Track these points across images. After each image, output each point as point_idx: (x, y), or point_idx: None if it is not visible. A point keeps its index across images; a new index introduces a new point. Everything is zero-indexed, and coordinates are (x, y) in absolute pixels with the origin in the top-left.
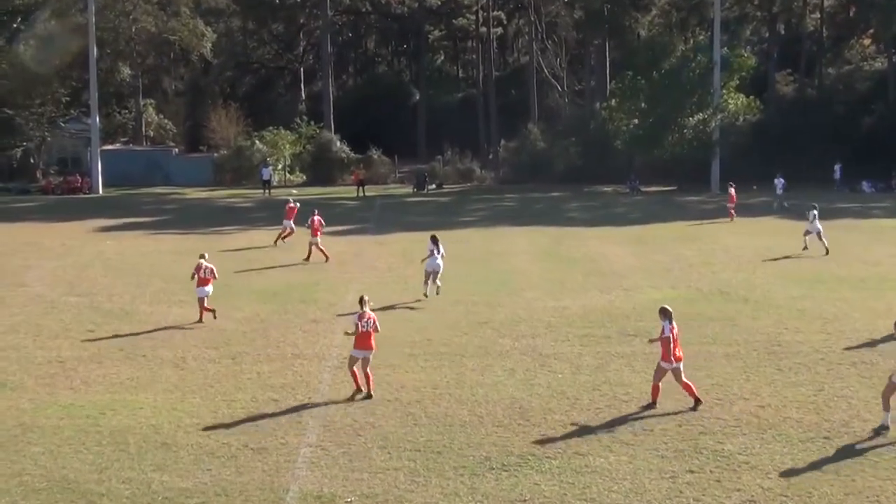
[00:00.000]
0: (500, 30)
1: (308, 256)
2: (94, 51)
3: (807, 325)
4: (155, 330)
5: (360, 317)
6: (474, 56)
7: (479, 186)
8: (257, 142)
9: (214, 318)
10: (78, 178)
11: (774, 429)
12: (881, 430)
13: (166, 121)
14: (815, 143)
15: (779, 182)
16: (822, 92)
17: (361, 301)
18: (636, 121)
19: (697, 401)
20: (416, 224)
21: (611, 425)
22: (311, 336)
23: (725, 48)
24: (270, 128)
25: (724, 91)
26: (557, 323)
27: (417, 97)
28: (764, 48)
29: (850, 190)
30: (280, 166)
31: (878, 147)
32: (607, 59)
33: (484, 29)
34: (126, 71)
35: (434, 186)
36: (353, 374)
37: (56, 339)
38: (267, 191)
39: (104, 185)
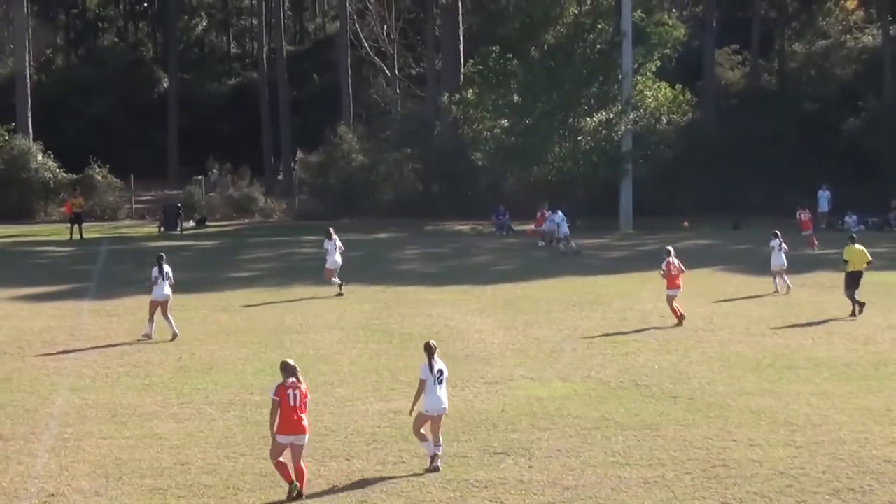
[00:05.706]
0: None
1: None
2: None
3: (766, 435)
4: None
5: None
6: (254, 22)
7: (263, 224)
8: None
9: None
10: None
11: None
12: (433, 461)
13: None
14: (775, 156)
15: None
16: (785, 80)
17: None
18: (505, 122)
19: None
20: None
21: None
22: None
23: (640, 11)
24: None
25: (639, 77)
26: (386, 436)
27: (166, 84)
28: (698, 13)
29: (828, 226)
30: None
31: (869, 163)
32: (460, 29)
33: None
34: None
35: (193, 224)
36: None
37: None
38: None
39: None
